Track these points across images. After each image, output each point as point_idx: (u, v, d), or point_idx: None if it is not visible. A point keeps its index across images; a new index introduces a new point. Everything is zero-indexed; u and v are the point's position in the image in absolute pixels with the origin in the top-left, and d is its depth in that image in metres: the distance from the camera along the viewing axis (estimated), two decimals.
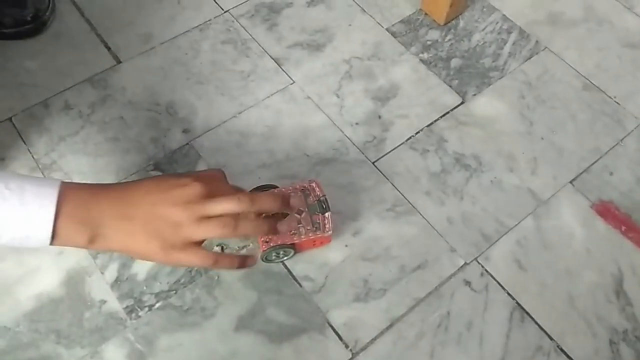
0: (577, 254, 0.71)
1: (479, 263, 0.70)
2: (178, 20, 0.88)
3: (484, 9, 0.92)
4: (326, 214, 0.66)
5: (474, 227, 0.72)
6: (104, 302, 0.65)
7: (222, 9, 0.90)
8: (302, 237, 0.65)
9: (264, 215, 0.63)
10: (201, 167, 0.75)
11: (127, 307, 0.65)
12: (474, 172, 0.76)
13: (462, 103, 0.82)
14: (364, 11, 0.91)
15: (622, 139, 0.80)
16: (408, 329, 0.65)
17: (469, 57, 0.86)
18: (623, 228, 0.73)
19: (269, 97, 0.81)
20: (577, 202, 0.74)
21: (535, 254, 0.71)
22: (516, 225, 0.72)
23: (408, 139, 0.78)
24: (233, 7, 0.90)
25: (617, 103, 0.83)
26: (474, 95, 0.83)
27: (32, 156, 0.75)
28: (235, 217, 0.56)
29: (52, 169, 0.73)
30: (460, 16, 0.91)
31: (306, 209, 0.66)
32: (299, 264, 0.68)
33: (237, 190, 0.61)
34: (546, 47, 0.88)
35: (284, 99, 0.81)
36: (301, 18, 0.89)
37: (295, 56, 0.85)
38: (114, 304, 0.65)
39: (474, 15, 0.91)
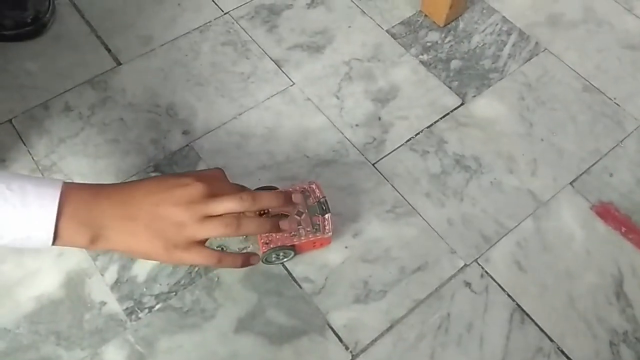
0: (577, 256, 0.71)
1: (479, 264, 0.70)
2: (178, 22, 0.88)
3: (484, 11, 0.92)
4: (326, 216, 0.66)
5: (474, 228, 0.72)
6: (104, 303, 0.65)
7: (222, 11, 0.90)
8: (302, 238, 0.65)
9: (264, 214, 0.64)
10: (201, 168, 0.75)
11: (127, 308, 0.65)
12: (474, 174, 0.76)
13: (462, 104, 0.82)
14: (364, 13, 0.91)
15: (622, 140, 0.80)
16: (408, 331, 0.65)
17: (468, 59, 0.87)
18: (623, 229, 0.73)
19: (269, 98, 0.81)
20: (577, 204, 0.74)
21: (535, 255, 0.71)
22: (516, 226, 0.72)
23: (408, 141, 0.78)
24: (233, 9, 0.90)
25: (617, 104, 0.83)
26: (474, 96, 0.83)
27: (32, 158, 0.75)
28: (238, 216, 0.56)
29: (52, 171, 0.74)
30: (460, 18, 0.91)
31: (306, 211, 0.66)
32: (299, 266, 0.68)
33: (238, 189, 0.61)
34: (546, 49, 0.88)
35: (284, 101, 0.81)
36: (301, 20, 0.89)
37: (295, 58, 0.85)
38: (114, 306, 0.65)
39: (474, 16, 0.91)
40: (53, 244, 0.51)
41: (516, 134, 0.80)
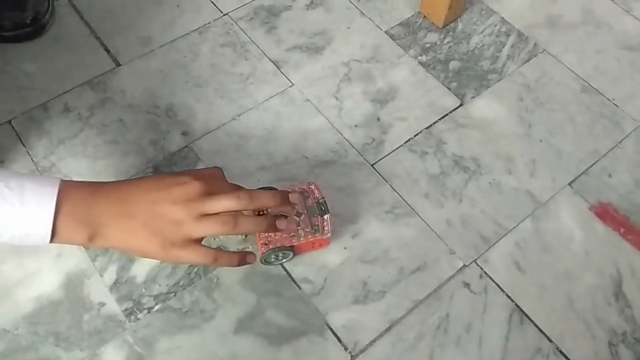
0: (576, 256, 0.71)
1: (478, 265, 0.70)
2: (177, 23, 0.88)
3: (483, 12, 0.92)
4: (325, 216, 0.66)
5: (472, 229, 0.72)
6: (103, 304, 0.65)
7: (221, 12, 0.90)
8: (301, 239, 0.65)
9: (262, 215, 0.64)
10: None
11: (126, 309, 0.65)
12: (473, 175, 0.76)
13: (460, 105, 0.82)
14: (363, 14, 0.91)
15: (621, 141, 0.80)
16: (407, 331, 0.65)
17: (467, 60, 0.87)
18: (622, 230, 0.73)
19: (268, 99, 0.81)
20: (576, 204, 0.75)
21: (534, 256, 0.71)
22: (515, 227, 0.72)
23: (407, 141, 0.78)
24: (232, 10, 0.90)
25: (616, 105, 0.83)
26: (473, 97, 0.83)
27: (32, 159, 0.75)
28: (235, 214, 0.56)
29: (52, 172, 0.74)
30: (458, 19, 0.91)
31: (305, 211, 0.66)
32: (298, 266, 0.68)
33: (236, 188, 0.61)
34: (545, 50, 0.88)
35: (283, 102, 0.81)
36: (300, 21, 0.89)
37: (294, 59, 0.85)
38: (113, 307, 0.65)
39: (473, 18, 0.92)
40: (51, 241, 0.51)
41: (515, 135, 0.80)
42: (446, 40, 0.89)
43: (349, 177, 0.75)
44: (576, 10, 0.93)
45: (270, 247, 0.64)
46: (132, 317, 0.65)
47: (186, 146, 0.77)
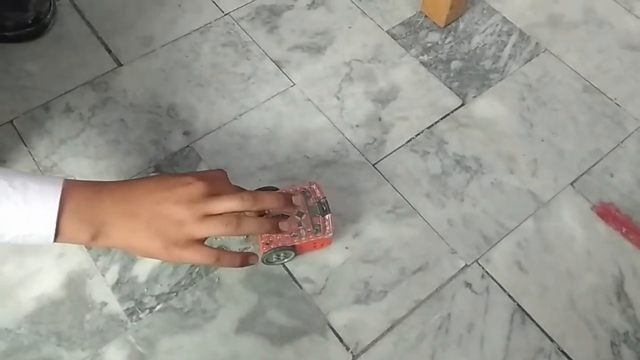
0: (577, 256, 0.71)
1: (479, 265, 0.70)
2: (179, 23, 0.88)
3: (484, 11, 0.92)
4: (326, 216, 0.66)
5: (474, 228, 0.72)
6: (104, 304, 0.65)
7: (223, 12, 0.90)
8: (303, 239, 0.65)
9: (264, 215, 0.64)
10: (202, 169, 0.75)
11: (127, 309, 0.65)
12: (475, 174, 0.76)
13: (462, 105, 0.82)
14: (364, 14, 0.91)
15: (623, 140, 0.80)
16: (409, 331, 0.65)
17: (469, 59, 0.87)
18: (624, 230, 0.73)
19: (269, 99, 0.81)
20: (578, 204, 0.74)
21: (535, 255, 0.71)
22: (517, 227, 0.72)
23: (408, 141, 0.78)
24: (234, 10, 0.90)
25: (618, 105, 0.83)
26: (474, 97, 0.83)
27: (33, 159, 0.75)
28: (238, 215, 0.56)
29: (53, 172, 0.74)
30: (460, 18, 0.91)
31: (307, 211, 0.66)
32: (300, 266, 0.68)
33: (239, 190, 0.61)
34: (546, 49, 0.88)
35: (284, 102, 0.81)
36: (302, 21, 0.89)
37: (295, 58, 0.85)
38: (115, 306, 0.65)
39: (474, 17, 0.91)
40: (54, 240, 0.51)
41: (517, 135, 0.80)
42: (448, 40, 0.89)
43: (350, 176, 0.75)
44: (578, 9, 0.93)
45: (272, 246, 0.64)
46: (134, 317, 0.65)
47: (188, 146, 0.77)
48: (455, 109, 0.82)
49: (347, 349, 0.64)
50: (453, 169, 0.76)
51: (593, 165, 0.78)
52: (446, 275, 0.69)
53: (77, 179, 0.72)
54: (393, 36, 0.89)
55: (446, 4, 0.86)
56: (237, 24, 0.89)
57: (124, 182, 0.57)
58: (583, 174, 0.77)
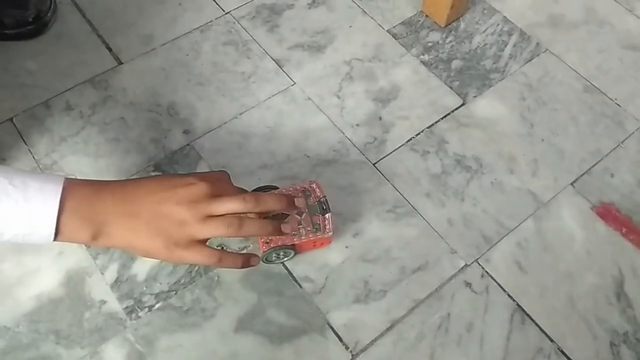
0: (577, 256, 0.71)
1: (479, 264, 0.70)
2: (179, 22, 0.88)
3: (485, 11, 0.92)
4: (326, 215, 0.66)
5: (474, 228, 0.72)
6: (103, 302, 0.65)
7: (223, 11, 0.90)
8: (303, 238, 0.65)
9: (265, 216, 0.64)
10: (202, 168, 0.75)
11: (127, 307, 0.65)
12: (475, 174, 0.76)
13: (462, 105, 0.82)
14: (365, 13, 0.91)
15: (623, 140, 0.80)
16: (408, 331, 0.65)
17: (469, 59, 0.86)
18: (624, 230, 0.73)
19: (269, 98, 0.81)
20: (578, 204, 0.74)
21: (535, 255, 0.71)
22: (517, 226, 0.72)
23: (409, 141, 0.78)
24: (234, 9, 0.90)
25: (618, 105, 0.83)
26: (475, 96, 0.83)
27: (33, 157, 0.75)
28: (240, 217, 0.56)
29: (53, 170, 0.74)
30: (461, 18, 0.91)
31: (306, 210, 0.66)
32: (299, 265, 0.68)
33: (242, 191, 0.61)
34: (547, 49, 0.88)
35: (284, 100, 0.81)
36: (302, 19, 0.89)
37: (296, 57, 0.85)
38: (114, 305, 0.65)
39: (475, 17, 0.91)
40: (55, 239, 0.51)
41: (517, 135, 0.80)
42: (448, 40, 0.88)
43: (350, 176, 0.75)
44: (578, 9, 0.93)
45: (272, 245, 0.64)
46: (133, 315, 0.65)
47: (188, 144, 0.77)
48: (456, 109, 0.82)
49: (347, 348, 0.64)
50: (453, 169, 0.76)
51: (593, 166, 0.77)
52: (446, 275, 0.69)
53: (77, 177, 0.73)
54: (394, 35, 0.88)
55: (447, 4, 0.86)
56: (238, 22, 0.89)
57: (125, 182, 0.57)
58: (583, 174, 0.77)
